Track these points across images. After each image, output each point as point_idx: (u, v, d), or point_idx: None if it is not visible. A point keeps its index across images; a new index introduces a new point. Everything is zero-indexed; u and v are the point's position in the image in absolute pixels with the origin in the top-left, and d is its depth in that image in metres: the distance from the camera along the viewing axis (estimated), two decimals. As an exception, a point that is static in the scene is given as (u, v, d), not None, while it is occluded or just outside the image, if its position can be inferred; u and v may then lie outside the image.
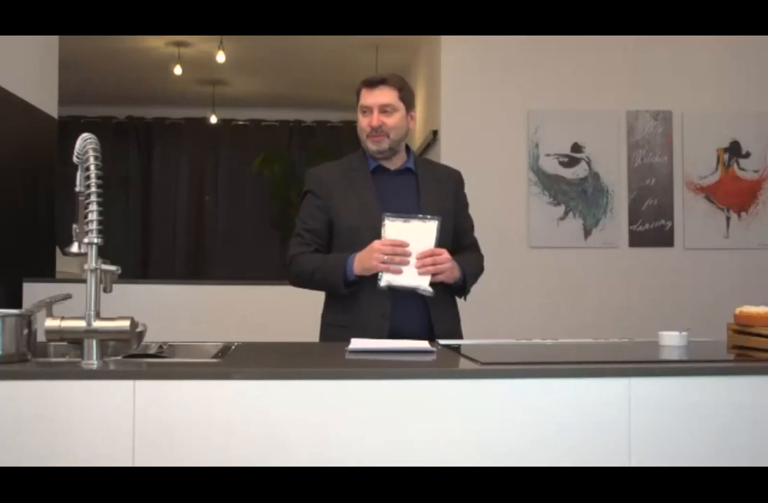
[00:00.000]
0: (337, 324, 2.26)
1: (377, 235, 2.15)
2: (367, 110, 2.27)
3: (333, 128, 8.45)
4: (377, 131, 2.25)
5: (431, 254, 2.13)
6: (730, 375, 1.60)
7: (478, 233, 2.49)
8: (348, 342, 1.92)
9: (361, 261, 2.15)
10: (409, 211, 2.20)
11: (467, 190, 2.48)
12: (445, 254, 2.16)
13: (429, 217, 2.16)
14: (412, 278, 2.13)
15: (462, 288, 2.30)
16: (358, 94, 2.31)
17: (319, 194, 2.30)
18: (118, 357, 1.75)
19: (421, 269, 2.13)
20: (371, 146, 2.28)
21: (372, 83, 2.27)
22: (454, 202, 2.36)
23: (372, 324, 2.17)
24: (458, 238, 2.35)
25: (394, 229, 2.14)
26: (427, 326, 2.23)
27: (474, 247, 2.44)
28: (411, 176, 2.33)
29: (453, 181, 2.40)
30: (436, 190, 2.32)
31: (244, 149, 8.26)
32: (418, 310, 2.22)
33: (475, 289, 2.53)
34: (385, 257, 2.10)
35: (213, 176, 8.43)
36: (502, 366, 1.61)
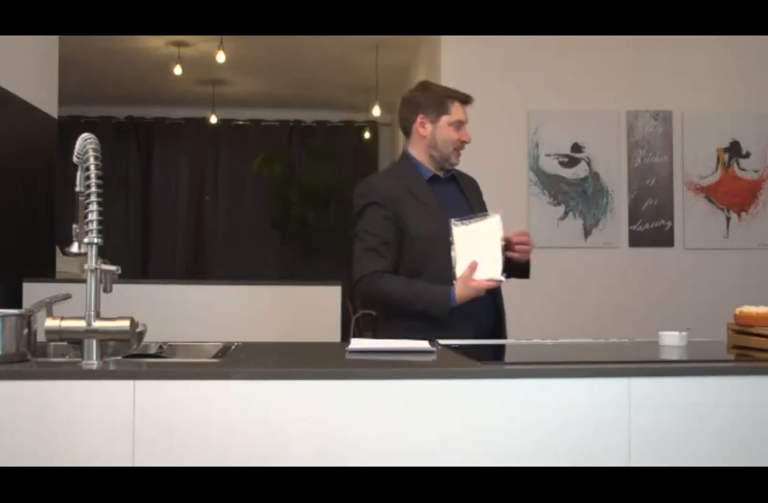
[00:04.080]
0: (419, 330, 2.13)
1: (448, 242, 2.19)
2: (461, 125, 2.39)
3: (333, 128, 8.45)
4: (462, 146, 2.40)
5: (526, 234, 2.26)
6: (730, 375, 1.61)
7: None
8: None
9: (462, 297, 2.19)
10: (466, 215, 2.25)
11: (468, 189, 2.50)
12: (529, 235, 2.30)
13: (489, 214, 2.24)
14: (485, 271, 2.18)
15: (527, 269, 2.41)
16: (445, 104, 2.38)
17: (386, 205, 2.28)
18: (118, 357, 1.75)
19: (519, 248, 2.24)
20: (455, 159, 2.40)
21: (468, 100, 2.43)
22: (484, 205, 2.48)
23: (458, 325, 2.20)
24: None
25: (461, 232, 2.20)
26: (497, 318, 2.38)
27: None
28: (455, 183, 2.44)
29: (477, 186, 2.54)
30: (474, 195, 2.46)
31: (244, 149, 8.25)
32: (489, 305, 2.33)
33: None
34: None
35: (213, 176, 8.42)
36: (502, 366, 1.62)
